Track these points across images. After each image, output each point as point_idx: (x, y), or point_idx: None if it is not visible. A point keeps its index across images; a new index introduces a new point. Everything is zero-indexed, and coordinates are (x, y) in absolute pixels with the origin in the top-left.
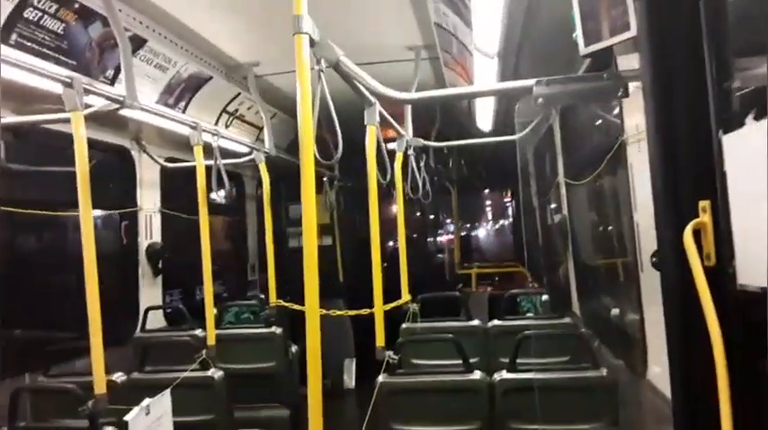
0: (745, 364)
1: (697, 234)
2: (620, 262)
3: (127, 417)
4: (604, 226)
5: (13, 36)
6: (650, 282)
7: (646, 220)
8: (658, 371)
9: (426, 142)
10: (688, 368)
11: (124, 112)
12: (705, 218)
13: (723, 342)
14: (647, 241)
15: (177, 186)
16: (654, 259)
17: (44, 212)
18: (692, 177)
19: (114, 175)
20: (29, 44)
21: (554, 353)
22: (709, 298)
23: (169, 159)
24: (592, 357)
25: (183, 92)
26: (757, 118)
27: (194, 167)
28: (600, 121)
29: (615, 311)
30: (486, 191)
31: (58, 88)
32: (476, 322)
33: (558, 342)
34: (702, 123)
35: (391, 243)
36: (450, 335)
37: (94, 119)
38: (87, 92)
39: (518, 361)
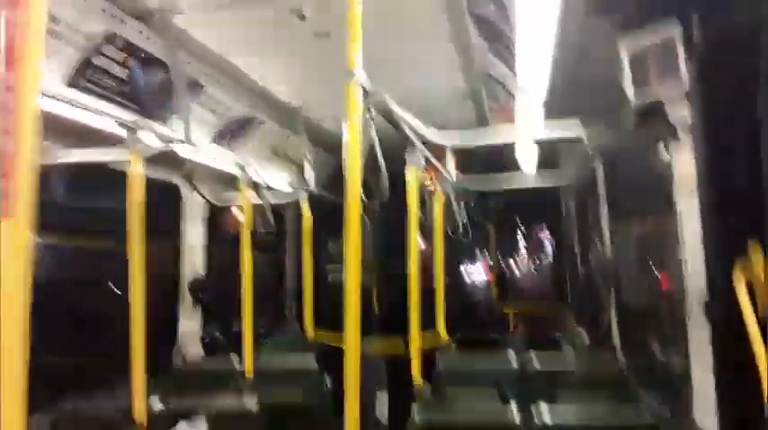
0: None
1: (749, 287)
2: (665, 307)
3: None
4: (649, 271)
5: (82, 81)
6: (698, 329)
7: (693, 266)
8: (705, 420)
9: (467, 185)
10: (738, 418)
11: (179, 152)
12: (755, 258)
13: None
14: (694, 287)
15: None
16: (705, 306)
17: (98, 244)
18: (742, 228)
19: (162, 210)
20: (95, 88)
21: (595, 398)
22: (761, 347)
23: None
24: (634, 402)
25: (233, 133)
26: None
27: (238, 205)
28: (647, 165)
29: (659, 357)
30: (525, 230)
31: (121, 130)
32: (515, 361)
33: (599, 387)
34: (752, 172)
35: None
36: (490, 375)
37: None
38: (148, 134)
39: (558, 403)
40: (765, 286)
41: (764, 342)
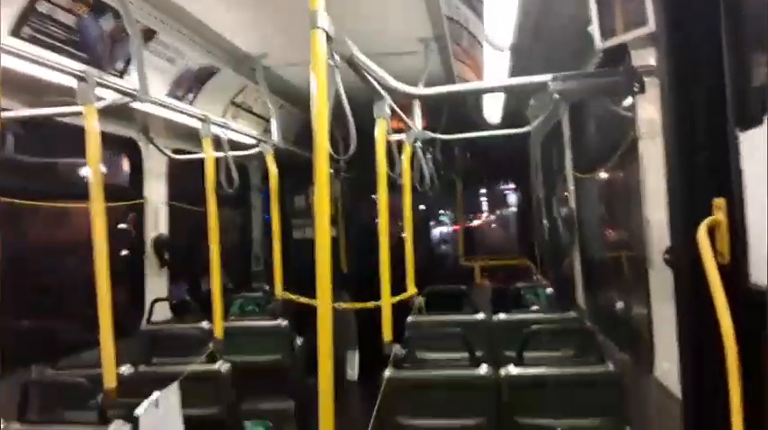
0: (756, 362)
1: (711, 232)
2: (627, 257)
3: (137, 412)
4: (612, 220)
5: (26, 29)
6: (659, 278)
7: (656, 216)
8: (666, 367)
9: (435, 135)
10: (699, 365)
11: (135, 105)
12: (720, 215)
13: (735, 340)
14: (657, 237)
15: (183, 178)
16: (666, 256)
17: (52, 204)
18: (707, 174)
19: (121, 167)
20: (42, 37)
21: (559, 348)
22: (722, 295)
23: (175, 151)
24: (597, 352)
25: (191, 84)
26: None
27: (200, 159)
28: (610, 115)
29: (620, 305)
30: (491, 183)
31: (70, 81)
32: (481, 316)
33: (563, 336)
34: (720, 120)
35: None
36: (458, 330)
37: (102, 111)
38: (100, 85)
39: (524, 355)
40: (727, 235)
41: (724, 290)
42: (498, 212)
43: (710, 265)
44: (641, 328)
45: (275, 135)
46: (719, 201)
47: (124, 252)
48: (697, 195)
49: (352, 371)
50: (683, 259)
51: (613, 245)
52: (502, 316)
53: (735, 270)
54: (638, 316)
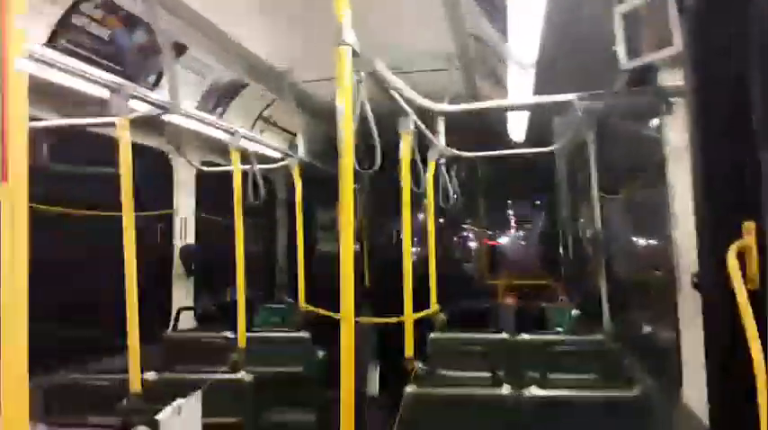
0: None
1: (740, 256)
2: (654, 279)
3: (159, 417)
4: (638, 241)
5: (62, 41)
6: (688, 302)
7: (685, 238)
8: (694, 393)
9: (459, 152)
10: (728, 393)
11: (166, 118)
12: (749, 239)
13: (766, 367)
14: (685, 260)
15: (211, 190)
16: (695, 279)
17: (83, 212)
18: (736, 197)
19: (151, 178)
20: (76, 49)
21: (584, 370)
22: (752, 322)
23: (203, 163)
24: (623, 376)
25: (220, 97)
26: None
27: (228, 172)
28: (637, 134)
29: (647, 328)
30: (515, 200)
31: (104, 93)
32: (505, 335)
33: (588, 358)
34: (749, 141)
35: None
36: (481, 348)
37: (134, 122)
38: (133, 97)
39: (548, 376)
40: (757, 259)
41: (755, 317)
42: (522, 230)
43: (740, 291)
44: (669, 353)
45: (301, 149)
46: (749, 225)
47: (152, 260)
48: (726, 218)
49: (372, 386)
50: (712, 284)
51: (640, 266)
52: (525, 335)
53: (765, 296)
54: (666, 340)
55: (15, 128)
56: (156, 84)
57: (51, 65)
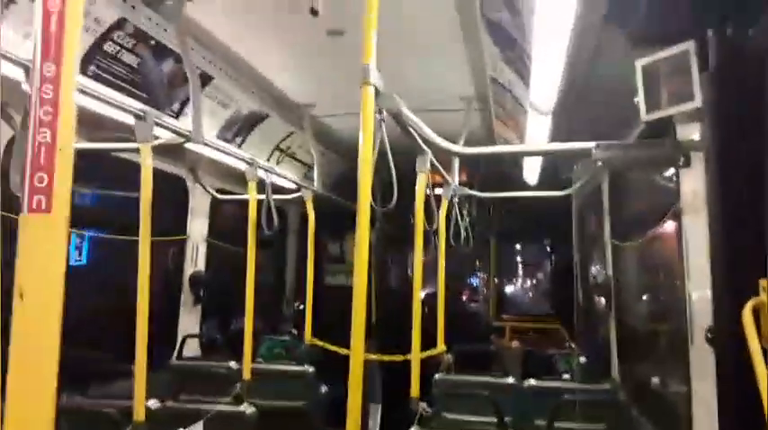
0: None
1: (755, 313)
2: (665, 330)
3: None
4: (651, 292)
5: (92, 67)
6: (701, 356)
7: (698, 292)
8: None
9: (472, 192)
10: None
11: (187, 145)
12: (765, 297)
13: None
14: (698, 314)
15: (222, 216)
16: (708, 334)
17: (100, 236)
18: (752, 253)
19: (164, 203)
20: (105, 75)
21: (591, 419)
22: (766, 380)
23: (218, 191)
24: (632, 427)
25: (241, 127)
26: None
27: (242, 200)
28: (652, 185)
29: (657, 380)
30: (525, 242)
31: (129, 119)
32: (511, 379)
33: (596, 408)
34: (765, 197)
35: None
36: (487, 393)
37: (155, 148)
38: (158, 125)
39: (554, 425)
40: None
41: None
42: (532, 273)
43: (755, 348)
44: (679, 406)
45: (316, 182)
46: (765, 282)
47: (160, 285)
48: (741, 274)
49: (374, 426)
50: (726, 339)
51: (651, 317)
52: (532, 381)
53: None
54: (676, 393)
55: (63, 160)
56: (180, 111)
57: (83, 91)
